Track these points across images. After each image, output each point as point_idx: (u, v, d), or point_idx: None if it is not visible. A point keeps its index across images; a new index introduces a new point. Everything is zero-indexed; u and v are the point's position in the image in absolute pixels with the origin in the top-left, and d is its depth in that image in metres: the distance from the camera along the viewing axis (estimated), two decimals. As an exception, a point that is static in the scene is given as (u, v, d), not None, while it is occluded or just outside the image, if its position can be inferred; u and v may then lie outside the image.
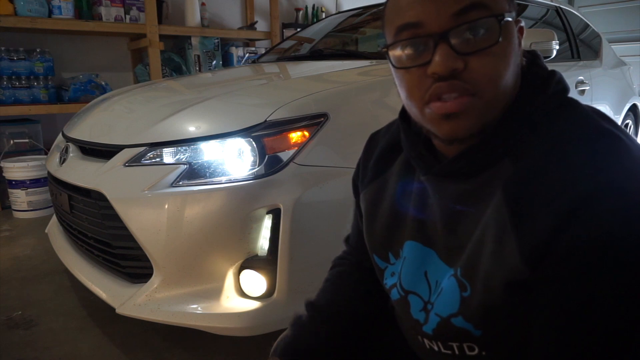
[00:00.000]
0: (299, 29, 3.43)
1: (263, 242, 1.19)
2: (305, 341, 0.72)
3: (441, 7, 0.50)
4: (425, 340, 0.61)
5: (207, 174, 1.19)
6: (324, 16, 4.44)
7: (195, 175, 1.19)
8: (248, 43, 4.22)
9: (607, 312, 0.45)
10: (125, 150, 1.30)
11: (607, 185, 0.45)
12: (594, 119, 0.52)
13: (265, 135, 1.20)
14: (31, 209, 2.75)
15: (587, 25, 3.13)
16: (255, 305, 1.18)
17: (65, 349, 1.41)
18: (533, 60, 0.58)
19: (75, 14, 2.99)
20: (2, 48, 2.81)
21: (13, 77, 2.82)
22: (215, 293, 1.19)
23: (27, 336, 1.48)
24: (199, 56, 3.56)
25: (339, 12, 2.90)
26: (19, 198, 2.73)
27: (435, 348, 0.60)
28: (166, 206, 1.17)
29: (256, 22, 4.07)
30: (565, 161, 0.48)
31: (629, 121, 3.39)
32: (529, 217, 0.48)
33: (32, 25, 2.78)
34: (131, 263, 1.30)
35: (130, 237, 1.22)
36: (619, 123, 2.58)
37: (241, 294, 1.21)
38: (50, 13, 2.90)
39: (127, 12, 3.21)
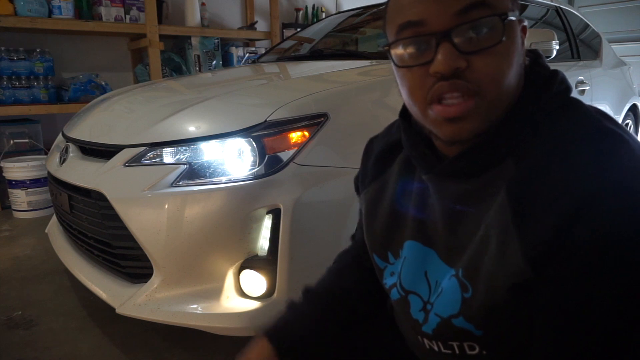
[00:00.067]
0: (299, 29, 3.43)
1: (263, 242, 1.19)
2: (292, 323, 0.73)
3: (444, 6, 0.50)
4: (425, 340, 0.61)
5: (207, 174, 1.19)
6: (324, 16, 4.44)
7: (195, 175, 1.19)
8: (248, 43, 4.22)
9: (614, 312, 0.45)
10: (125, 150, 1.30)
11: (611, 185, 0.45)
12: (597, 119, 0.52)
13: (265, 135, 1.20)
14: (31, 209, 2.75)
15: (587, 25, 3.13)
16: (255, 305, 1.18)
17: (65, 349, 1.41)
18: (535, 59, 0.58)
19: (75, 14, 2.99)
20: (2, 48, 2.81)
21: (13, 77, 2.82)
22: (215, 293, 1.19)
23: (27, 336, 1.48)
24: (199, 56, 3.56)
25: (339, 12, 2.90)
26: (19, 198, 2.73)
27: (435, 348, 0.60)
28: (166, 206, 1.17)
29: (256, 22, 4.07)
30: (569, 161, 0.48)
31: (629, 121, 3.39)
32: (532, 218, 0.48)
33: (32, 25, 2.78)
34: (131, 263, 1.30)
35: (130, 237, 1.22)
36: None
37: (241, 294, 1.21)
38: (50, 13, 2.90)
39: (127, 12, 3.21)
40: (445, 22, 0.50)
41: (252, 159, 1.19)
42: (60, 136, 1.82)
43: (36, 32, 3.00)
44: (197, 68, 3.57)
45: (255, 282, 1.19)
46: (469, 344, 0.57)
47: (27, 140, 2.97)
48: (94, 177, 1.31)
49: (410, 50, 0.53)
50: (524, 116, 0.53)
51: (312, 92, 1.32)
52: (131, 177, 1.24)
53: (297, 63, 2.13)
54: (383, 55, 1.85)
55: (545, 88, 0.55)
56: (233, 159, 1.20)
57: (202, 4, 3.66)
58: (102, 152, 1.41)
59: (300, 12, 4.55)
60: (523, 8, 2.37)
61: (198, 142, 1.22)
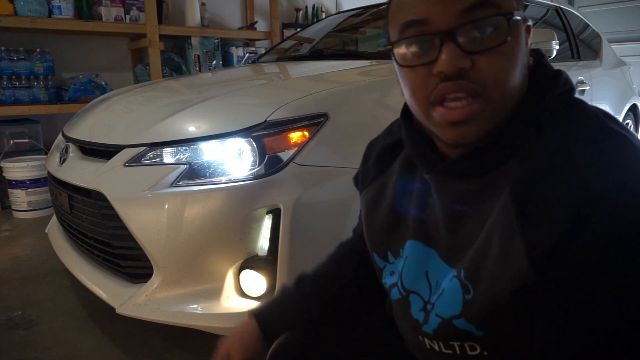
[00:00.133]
0: (299, 29, 3.43)
1: (263, 242, 1.19)
2: (280, 308, 0.76)
3: (448, 4, 0.49)
4: (426, 340, 0.61)
5: (207, 174, 1.19)
6: (324, 16, 4.44)
7: (195, 175, 1.19)
8: (248, 43, 4.22)
9: (617, 313, 0.45)
10: (125, 150, 1.30)
11: (615, 186, 0.45)
12: (601, 119, 0.52)
13: (265, 135, 1.20)
14: (31, 209, 2.75)
15: (587, 25, 3.13)
16: (255, 305, 1.18)
17: (65, 349, 1.41)
18: (539, 59, 0.57)
19: (75, 14, 2.99)
20: (2, 48, 2.81)
21: (13, 77, 2.83)
22: (215, 293, 1.19)
23: (27, 336, 1.48)
24: (199, 56, 3.56)
25: (339, 12, 2.90)
26: (19, 198, 2.73)
27: (436, 348, 0.60)
28: (166, 206, 1.17)
29: (256, 22, 4.07)
30: (572, 162, 0.48)
31: (629, 121, 3.39)
32: (537, 219, 0.47)
33: (32, 25, 2.78)
34: (131, 263, 1.30)
35: (130, 237, 1.22)
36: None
37: (241, 294, 1.21)
38: (50, 13, 2.90)
39: (127, 12, 3.21)
40: (450, 21, 0.49)
41: (252, 159, 1.19)
42: (60, 136, 1.82)
43: (36, 32, 3.00)
44: (197, 68, 3.57)
45: (255, 282, 1.20)
46: (470, 344, 0.57)
47: (27, 140, 2.97)
48: (94, 177, 1.31)
49: (413, 49, 0.52)
50: (528, 117, 0.52)
51: (312, 92, 1.32)
52: (131, 177, 1.24)
53: (297, 63, 2.13)
54: (383, 55, 1.85)
55: (549, 88, 0.55)
56: (233, 159, 1.20)
57: (202, 4, 3.66)
58: (102, 152, 1.41)
59: (300, 12, 4.55)
60: (523, 8, 2.36)
61: (198, 142, 1.22)
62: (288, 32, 4.16)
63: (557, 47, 1.78)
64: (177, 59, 3.52)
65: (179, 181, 1.18)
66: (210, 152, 1.21)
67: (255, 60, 2.66)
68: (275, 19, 4.03)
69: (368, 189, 0.71)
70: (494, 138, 0.52)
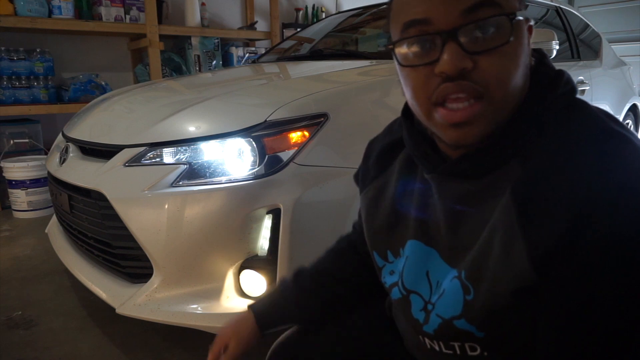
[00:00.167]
0: (299, 29, 3.43)
1: (263, 242, 1.19)
2: (276, 300, 0.78)
3: (450, 4, 0.49)
4: (427, 340, 0.61)
5: (207, 174, 1.19)
6: (324, 16, 4.44)
7: (195, 175, 1.19)
8: (248, 43, 4.22)
9: (619, 313, 0.45)
10: (125, 150, 1.30)
11: (618, 186, 0.45)
12: (602, 120, 0.52)
13: (265, 135, 1.20)
14: (31, 209, 2.75)
15: (587, 25, 3.13)
16: (255, 305, 1.18)
17: (65, 349, 1.41)
18: (540, 59, 0.57)
19: (75, 14, 2.99)
20: (2, 48, 2.81)
21: (13, 77, 2.82)
22: (215, 293, 1.19)
23: (27, 336, 1.48)
24: (199, 56, 3.56)
25: (339, 12, 2.90)
26: (19, 198, 2.73)
27: (437, 348, 0.60)
28: (166, 206, 1.17)
29: (256, 22, 4.07)
30: (574, 162, 0.48)
31: (629, 121, 3.39)
32: (538, 220, 0.47)
33: (32, 25, 2.78)
34: (131, 263, 1.30)
35: (130, 237, 1.22)
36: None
37: (241, 294, 1.21)
38: (50, 13, 2.90)
39: (127, 12, 3.21)
40: (452, 20, 0.49)
41: (252, 159, 1.19)
42: (60, 136, 1.82)
43: (36, 32, 3.00)
44: (197, 68, 3.57)
45: (255, 282, 1.19)
46: (470, 344, 0.57)
47: (27, 140, 2.97)
48: (94, 177, 1.31)
49: (414, 49, 0.52)
50: (529, 117, 0.52)
51: (312, 92, 1.32)
52: (131, 177, 1.24)
53: (297, 63, 2.13)
54: (383, 55, 1.85)
55: (550, 88, 0.54)
56: (233, 159, 1.20)
57: (202, 4, 3.66)
58: (102, 152, 1.41)
59: (300, 12, 4.55)
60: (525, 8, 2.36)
61: (198, 142, 1.22)
62: (288, 32, 4.16)
63: (557, 47, 1.78)
64: (177, 59, 3.52)
65: (179, 181, 1.18)
66: (210, 152, 1.21)
67: (255, 60, 2.66)
68: (275, 19, 4.03)
69: (368, 188, 0.71)
70: (496, 139, 0.52)
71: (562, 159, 0.49)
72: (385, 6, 2.34)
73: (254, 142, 1.19)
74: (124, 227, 1.22)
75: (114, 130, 1.49)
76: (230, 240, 1.17)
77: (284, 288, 0.79)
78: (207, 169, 1.19)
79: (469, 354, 0.57)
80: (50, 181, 1.65)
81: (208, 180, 1.18)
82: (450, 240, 0.58)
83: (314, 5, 4.68)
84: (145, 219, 1.18)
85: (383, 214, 0.67)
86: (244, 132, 1.20)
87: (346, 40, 2.44)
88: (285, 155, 1.19)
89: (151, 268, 1.23)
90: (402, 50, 0.53)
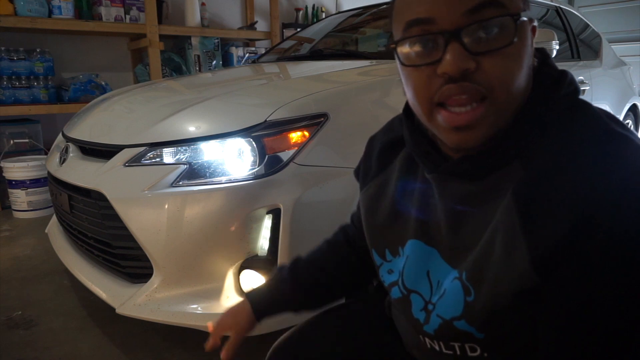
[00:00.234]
0: (299, 29, 3.43)
1: (263, 242, 1.19)
2: (271, 288, 0.80)
3: (454, 3, 0.48)
4: (427, 340, 0.61)
5: (207, 174, 1.19)
6: (324, 16, 4.44)
7: (195, 175, 1.19)
8: (248, 43, 4.22)
9: (621, 313, 0.45)
10: (125, 150, 1.30)
11: (620, 187, 0.45)
12: (604, 121, 0.51)
13: (265, 135, 1.20)
14: (31, 209, 2.75)
15: (587, 25, 3.13)
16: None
17: (65, 349, 1.41)
18: (543, 59, 0.57)
19: (75, 14, 2.99)
20: (2, 48, 2.81)
21: (13, 77, 2.82)
22: (215, 293, 1.19)
23: (27, 336, 1.48)
24: (199, 56, 3.56)
25: (339, 12, 2.90)
26: (19, 198, 2.73)
27: (437, 348, 0.60)
28: (166, 206, 1.17)
29: (256, 22, 4.07)
30: (576, 162, 0.47)
31: (629, 121, 3.39)
32: (541, 222, 0.47)
33: (32, 25, 2.78)
34: (131, 263, 1.30)
35: (130, 237, 1.22)
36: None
37: (241, 294, 1.21)
38: (50, 13, 2.90)
39: (127, 12, 3.21)
40: (455, 20, 0.48)
41: (252, 159, 1.19)
42: (60, 136, 1.82)
43: (36, 32, 3.00)
44: (197, 68, 3.57)
45: (255, 282, 1.19)
46: (470, 345, 0.57)
47: (27, 140, 2.97)
48: (94, 177, 1.31)
49: (417, 48, 0.51)
50: (532, 118, 0.52)
51: (312, 92, 1.32)
52: (131, 177, 1.24)
53: (297, 63, 2.13)
54: (383, 55, 1.85)
55: (554, 89, 0.54)
56: (233, 159, 1.20)
57: (202, 4, 3.66)
58: (102, 152, 1.41)
59: (300, 12, 4.55)
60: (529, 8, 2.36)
61: (198, 142, 1.22)
62: (288, 32, 4.16)
63: (557, 47, 1.78)
64: (177, 59, 3.52)
65: (179, 181, 1.18)
66: (210, 152, 1.21)
67: (255, 60, 2.66)
68: (275, 19, 4.03)
69: (369, 185, 0.71)
70: (498, 141, 0.52)
71: (564, 159, 0.48)
72: (385, 6, 2.34)
73: (254, 142, 1.19)
74: (124, 227, 1.22)
75: (114, 130, 1.49)
76: (230, 240, 1.17)
77: (280, 278, 0.81)
78: (207, 169, 1.19)
79: (469, 354, 0.57)
80: (50, 181, 1.65)
81: (208, 180, 1.18)
82: (451, 241, 0.57)
83: (314, 5, 4.68)
84: (145, 219, 1.18)
85: (383, 213, 0.67)
86: (244, 132, 1.20)
87: (346, 40, 2.44)
88: (285, 155, 1.19)
89: (151, 268, 1.23)
90: (404, 49, 0.53)
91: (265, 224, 1.19)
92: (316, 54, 2.25)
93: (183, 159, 1.21)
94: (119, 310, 1.23)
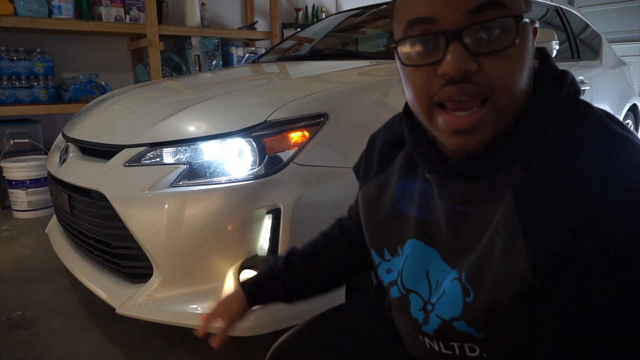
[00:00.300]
0: (299, 29, 3.43)
1: (263, 242, 1.19)
2: (265, 276, 0.81)
3: (456, 3, 0.48)
4: (426, 340, 0.61)
5: (207, 174, 1.19)
6: (324, 16, 4.44)
7: (195, 175, 1.19)
8: (248, 43, 4.22)
9: (622, 313, 0.45)
10: (125, 150, 1.30)
11: (622, 188, 0.45)
12: (605, 121, 0.51)
13: (265, 135, 1.20)
14: (31, 209, 2.75)
15: (587, 25, 3.13)
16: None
17: (65, 349, 1.41)
18: (544, 60, 0.56)
19: (75, 14, 2.99)
20: (2, 48, 2.81)
21: (13, 77, 2.83)
22: (215, 293, 1.19)
23: (27, 336, 1.48)
24: (199, 56, 3.56)
25: (339, 12, 2.90)
26: (19, 198, 2.73)
27: (436, 347, 0.60)
28: (166, 206, 1.17)
29: (256, 22, 4.07)
30: (577, 163, 0.47)
31: (629, 121, 3.39)
32: (541, 223, 0.47)
33: (32, 25, 2.78)
34: (131, 263, 1.30)
35: (130, 237, 1.22)
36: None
37: (241, 294, 1.21)
38: (50, 13, 2.90)
39: (127, 12, 3.21)
40: (457, 20, 0.48)
41: (252, 159, 1.19)
42: (60, 136, 1.82)
43: (36, 32, 3.00)
44: (197, 68, 3.57)
45: (255, 282, 1.19)
46: (469, 345, 0.57)
47: (27, 140, 2.97)
48: (94, 177, 1.31)
49: (417, 48, 0.51)
50: (533, 118, 0.51)
51: (312, 92, 1.32)
52: (131, 177, 1.24)
53: (297, 63, 2.13)
54: (383, 55, 1.85)
55: (554, 89, 0.54)
56: (233, 159, 1.20)
57: (202, 4, 3.66)
58: (102, 152, 1.41)
59: (300, 12, 4.55)
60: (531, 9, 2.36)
61: (198, 142, 1.22)
62: (288, 32, 4.16)
63: (557, 47, 1.78)
64: (177, 59, 3.52)
65: (179, 181, 1.18)
66: (210, 152, 1.20)
67: (255, 60, 2.66)
68: (275, 19, 4.03)
69: (369, 184, 0.71)
70: (499, 142, 0.51)
71: (564, 160, 0.48)
72: (385, 6, 2.34)
73: (254, 142, 1.19)
74: (124, 227, 1.22)
75: (114, 130, 1.49)
76: (230, 240, 1.17)
77: (274, 268, 0.81)
78: (207, 169, 1.19)
79: (468, 354, 0.57)
80: (50, 181, 1.65)
81: (208, 180, 1.18)
82: (451, 241, 0.57)
83: (314, 5, 4.68)
84: (145, 219, 1.18)
85: (382, 212, 0.67)
86: (244, 132, 1.20)
87: (346, 40, 2.44)
88: (285, 155, 1.19)
89: (151, 268, 1.23)
90: (404, 49, 0.52)
91: (265, 224, 1.19)
92: (316, 54, 2.25)
93: (183, 159, 1.21)
94: (119, 310, 1.23)
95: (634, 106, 3.38)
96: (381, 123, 0.77)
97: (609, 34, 4.80)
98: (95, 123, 1.62)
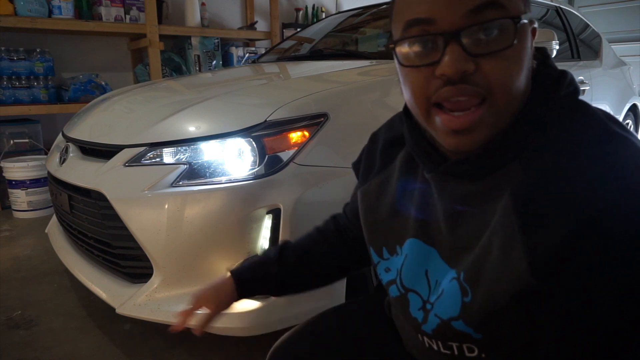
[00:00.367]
0: (299, 29, 3.43)
1: (263, 242, 1.19)
2: (255, 265, 0.79)
3: (455, 4, 0.48)
4: (425, 339, 0.61)
5: (207, 174, 1.19)
6: (324, 16, 4.44)
7: (195, 175, 1.19)
8: (248, 43, 4.22)
9: (622, 313, 0.45)
10: (125, 150, 1.30)
11: (622, 189, 0.45)
12: (604, 121, 0.51)
13: (265, 135, 1.20)
14: (31, 209, 2.75)
15: (587, 25, 3.13)
16: (255, 305, 1.18)
17: (65, 349, 1.41)
18: (543, 60, 0.56)
19: (75, 14, 2.99)
20: (2, 48, 2.81)
21: (13, 77, 2.83)
22: (215, 293, 1.19)
23: (27, 336, 1.48)
24: (199, 56, 3.56)
25: (339, 12, 2.90)
26: (19, 198, 2.73)
27: (435, 347, 0.60)
28: (166, 206, 1.17)
29: (256, 22, 4.07)
30: (576, 163, 0.47)
31: (629, 121, 3.39)
32: (539, 223, 0.47)
33: (32, 25, 2.78)
34: (131, 263, 1.30)
35: (130, 237, 1.22)
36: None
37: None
38: (50, 13, 2.90)
39: (127, 12, 3.21)
40: (455, 21, 0.48)
41: (252, 159, 1.19)
42: (60, 136, 1.82)
43: (36, 32, 3.00)
44: (197, 68, 3.57)
45: (255, 282, 1.19)
46: (468, 345, 0.57)
47: (27, 140, 2.97)
48: (94, 177, 1.31)
49: (416, 49, 0.51)
50: (532, 118, 0.52)
51: (312, 92, 1.32)
52: (131, 177, 1.24)
53: (297, 63, 2.13)
54: (383, 55, 1.85)
55: (553, 89, 0.54)
56: (233, 159, 1.20)
57: (202, 4, 3.66)
58: (102, 152, 1.41)
59: (300, 12, 4.55)
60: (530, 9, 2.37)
61: (198, 142, 1.22)
62: (288, 32, 4.16)
63: (557, 47, 1.78)
64: (177, 59, 3.52)
65: (179, 181, 1.18)
66: (210, 152, 1.21)
67: (255, 60, 2.66)
68: (275, 19, 4.03)
69: (369, 182, 0.71)
70: (497, 143, 0.51)
71: (564, 160, 0.48)
72: (385, 6, 2.34)
73: (254, 142, 1.19)
74: (124, 227, 1.22)
75: (114, 130, 1.49)
76: (230, 240, 1.17)
77: (266, 259, 0.80)
78: (207, 169, 1.19)
79: (466, 354, 0.57)
80: (50, 181, 1.65)
81: (208, 180, 1.18)
82: (450, 241, 0.57)
83: (314, 5, 4.68)
84: (145, 219, 1.18)
85: (382, 211, 0.67)
86: (244, 132, 1.20)
87: (346, 40, 2.44)
88: (285, 155, 1.19)
89: (151, 268, 1.23)
90: (403, 49, 0.52)
91: (265, 224, 1.19)
92: (316, 54, 2.25)
93: (183, 159, 1.22)
94: (119, 310, 1.23)
95: (634, 106, 3.38)
96: (381, 123, 0.77)
97: (609, 34, 4.80)
98: (95, 123, 1.62)
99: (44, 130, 3.07)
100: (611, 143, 0.49)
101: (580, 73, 2.58)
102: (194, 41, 3.54)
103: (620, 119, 3.16)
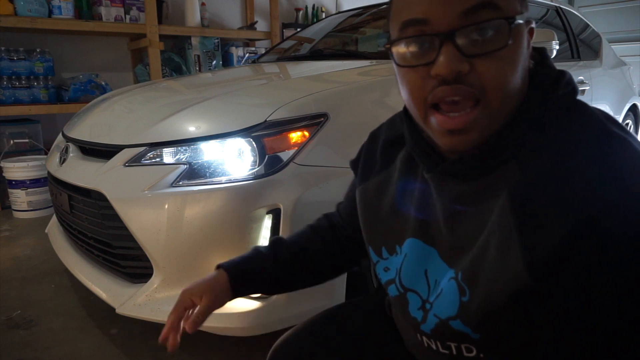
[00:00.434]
0: (299, 29, 3.43)
1: (263, 242, 1.19)
2: (248, 259, 0.77)
3: (449, 5, 0.48)
4: (424, 338, 0.61)
5: (207, 174, 1.19)
6: (324, 16, 4.44)
7: (195, 175, 1.19)
8: (248, 43, 4.22)
9: (623, 313, 0.45)
10: (125, 150, 1.30)
11: (621, 189, 0.45)
12: (602, 121, 0.51)
13: (265, 135, 1.20)
14: (31, 209, 2.75)
15: (587, 25, 3.13)
16: (255, 305, 1.18)
17: (65, 349, 1.41)
18: (541, 59, 0.57)
19: (75, 14, 2.99)
20: (2, 48, 2.81)
21: (13, 77, 2.83)
22: (215, 293, 1.19)
23: (27, 336, 1.48)
24: (199, 56, 3.56)
25: (339, 12, 2.90)
26: (19, 198, 2.73)
27: (434, 347, 0.60)
28: (166, 206, 1.17)
29: (256, 22, 4.07)
30: (575, 163, 0.47)
31: (629, 121, 3.39)
32: (537, 223, 0.47)
33: (32, 25, 2.78)
34: (131, 263, 1.30)
35: (130, 237, 1.22)
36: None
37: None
38: (50, 13, 2.90)
39: (127, 12, 3.21)
40: (450, 22, 0.48)
41: (252, 159, 1.19)
42: (60, 136, 1.82)
43: (36, 32, 3.00)
44: (197, 68, 3.57)
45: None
46: (466, 345, 0.57)
47: (27, 140, 2.97)
48: (94, 177, 1.31)
49: (412, 49, 0.51)
50: (529, 118, 0.52)
51: (312, 92, 1.32)
52: (131, 177, 1.24)
53: (297, 63, 2.13)
54: (383, 55, 1.85)
55: (551, 89, 0.54)
56: (233, 159, 1.20)
57: (202, 4, 3.66)
58: (102, 152, 1.41)
59: (300, 12, 4.55)
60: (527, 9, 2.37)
61: (198, 142, 1.22)
62: (288, 32, 4.16)
63: (557, 47, 1.78)
64: (177, 59, 3.52)
65: (179, 181, 1.18)
66: (210, 152, 1.21)
67: (255, 60, 2.66)
68: (275, 19, 4.03)
69: (369, 182, 0.71)
70: (493, 143, 0.52)
71: (561, 160, 0.48)
72: (385, 6, 2.34)
73: (254, 142, 1.19)
74: (124, 227, 1.22)
75: (114, 130, 1.49)
76: (230, 240, 1.17)
77: (259, 255, 0.77)
78: (207, 169, 1.19)
79: (464, 354, 0.57)
80: (50, 181, 1.65)
81: (208, 180, 1.18)
82: (450, 240, 0.57)
83: (314, 5, 4.68)
84: (145, 219, 1.18)
85: (382, 211, 0.67)
86: (244, 132, 1.20)
87: (346, 40, 2.44)
88: (285, 155, 1.19)
89: (151, 268, 1.23)
90: (399, 49, 0.53)
91: (265, 224, 1.19)
92: (316, 54, 2.25)
93: (183, 159, 1.22)
94: (119, 310, 1.23)
95: (633, 106, 3.38)
96: (381, 123, 0.77)
97: (609, 34, 4.80)
98: (95, 123, 1.62)
99: (44, 130, 3.07)
100: (609, 143, 0.49)
101: (580, 73, 2.58)
102: (194, 41, 3.54)
103: (620, 119, 3.16)
